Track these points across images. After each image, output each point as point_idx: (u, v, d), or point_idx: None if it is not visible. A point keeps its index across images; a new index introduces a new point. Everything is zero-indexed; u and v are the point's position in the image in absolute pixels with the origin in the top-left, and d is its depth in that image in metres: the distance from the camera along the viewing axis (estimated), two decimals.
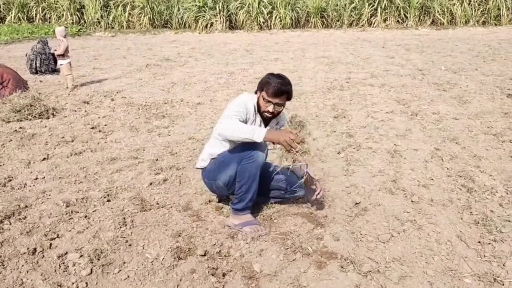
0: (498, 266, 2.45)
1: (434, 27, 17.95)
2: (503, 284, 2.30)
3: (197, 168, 3.27)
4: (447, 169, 3.83)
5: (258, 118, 3.00)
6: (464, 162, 3.97)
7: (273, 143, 2.64)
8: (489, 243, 2.66)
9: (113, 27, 19.06)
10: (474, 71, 8.40)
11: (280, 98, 2.84)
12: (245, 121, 2.88)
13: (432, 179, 3.64)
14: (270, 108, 2.85)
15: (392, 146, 4.41)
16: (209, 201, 3.32)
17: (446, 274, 2.39)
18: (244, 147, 2.79)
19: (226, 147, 2.98)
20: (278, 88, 2.79)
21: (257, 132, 2.61)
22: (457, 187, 3.46)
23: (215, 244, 2.60)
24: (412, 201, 3.24)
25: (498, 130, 4.82)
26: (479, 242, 2.69)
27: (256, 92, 2.99)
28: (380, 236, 2.79)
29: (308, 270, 2.50)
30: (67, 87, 7.25)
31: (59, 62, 7.23)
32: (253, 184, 2.86)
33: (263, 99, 2.86)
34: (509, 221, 2.90)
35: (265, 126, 3.00)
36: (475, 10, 18.33)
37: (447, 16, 18.30)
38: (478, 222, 2.90)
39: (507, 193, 3.32)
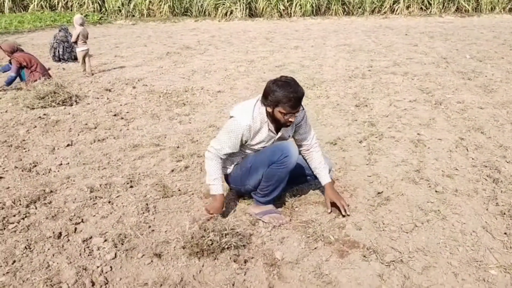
0: None
1: (458, 14, 17.55)
2: None
3: None
4: (472, 159, 3.75)
5: (266, 127, 2.78)
6: (490, 152, 3.88)
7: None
8: None
9: (133, 15, 19.17)
10: (500, 60, 8.20)
11: (300, 106, 2.67)
12: (244, 143, 2.79)
13: (456, 169, 3.57)
14: (292, 118, 2.67)
15: (415, 136, 4.34)
16: (230, 189, 3.32)
17: (471, 265, 2.36)
18: (273, 151, 2.74)
19: (247, 153, 2.91)
20: (295, 99, 2.58)
21: (214, 188, 2.80)
22: (483, 177, 3.39)
23: (237, 231, 2.60)
24: (436, 191, 3.19)
25: None
26: (505, 233, 2.63)
27: (263, 103, 2.71)
28: (403, 226, 2.76)
29: (330, 258, 2.49)
30: (88, 74, 7.34)
31: (76, 49, 7.33)
32: (281, 185, 2.84)
33: (283, 113, 2.63)
34: None
35: (278, 130, 2.83)
36: None
37: (472, 3, 17.87)
38: (504, 213, 2.84)
39: None
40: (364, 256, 2.47)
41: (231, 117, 2.79)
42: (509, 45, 10.01)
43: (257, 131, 2.77)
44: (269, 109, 2.68)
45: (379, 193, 3.21)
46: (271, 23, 16.87)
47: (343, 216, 2.85)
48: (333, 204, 2.90)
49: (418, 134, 4.38)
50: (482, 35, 11.87)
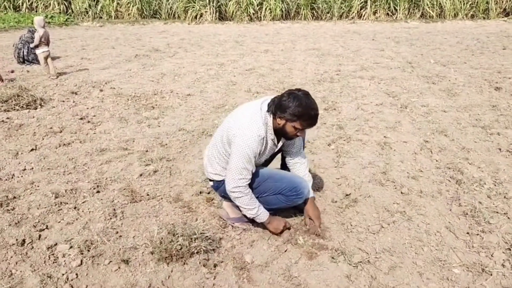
0: (486, 256, 2.48)
1: (423, 20, 18.01)
2: (491, 274, 2.33)
3: (210, 180, 2.91)
4: (436, 161, 3.86)
5: (271, 141, 2.66)
6: (453, 154, 4.01)
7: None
8: (478, 234, 2.69)
9: (101, 17, 18.81)
10: (463, 64, 8.46)
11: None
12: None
13: (421, 171, 3.67)
14: (303, 134, 2.59)
15: (382, 138, 4.44)
16: (200, 193, 3.31)
17: (436, 265, 2.42)
18: (291, 185, 2.68)
19: None
20: (316, 117, 2.48)
21: (262, 215, 2.64)
22: (446, 178, 3.50)
23: (206, 236, 2.59)
24: (401, 193, 3.27)
25: (486, 122, 4.87)
26: (467, 233, 2.72)
27: (268, 110, 2.55)
28: (370, 227, 2.81)
29: (299, 261, 2.51)
30: (53, 76, 7.17)
31: (36, 51, 7.15)
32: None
33: (297, 129, 2.49)
34: (497, 212, 2.94)
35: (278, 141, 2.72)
36: (464, 4, 18.43)
37: (436, 9, 18.39)
38: (467, 214, 2.93)
39: (495, 185, 3.36)
40: (333, 258, 2.50)
41: (235, 135, 2.55)
42: (471, 50, 10.34)
43: (266, 144, 2.63)
44: (280, 122, 2.50)
45: (347, 195, 3.27)
46: (241, 26, 16.89)
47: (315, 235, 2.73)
48: (310, 221, 2.80)
49: (384, 137, 4.48)
50: (445, 41, 12.22)
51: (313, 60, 9.23)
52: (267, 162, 2.94)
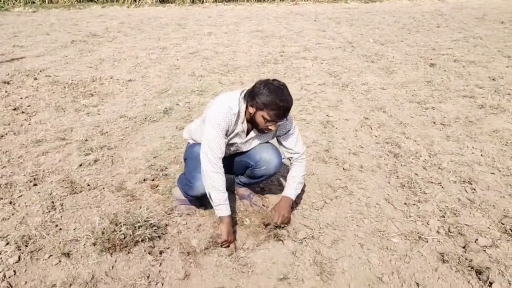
0: (423, 225, 2.62)
1: (363, 1, 18.42)
2: (427, 241, 2.46)
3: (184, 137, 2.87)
4: (376, 136, 4.00)
5: (240, 127, 2.54)
6: (391, 129, 4.16)
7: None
8: (414, 204, 2.83)
9: (33, 2, 17.74)
10: (400, 43, 8.76)
11: (287, 116, 2.44)
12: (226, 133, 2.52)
13: (362, 147, 3.79)
14: (273, 127, 2.44)
15: (324, 117, 4.53)
16: (144, 180, 3.24)
17: (375, 235, 2.53)
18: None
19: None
20: (284, 109, 2.35)
21: (221, 209, 2.45)
22: (385, 153, 3.63)
23: (151, 223, 2.55)
24: (343, 169, 3.37)
25: (422, 98, 5.09)
26: (405, 203, 2.85)
27: (244, 97, 2.46)
28: (314, 203, 2.88)
29: (246, 241, 2.53)
30: None
31: None
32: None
33: (265, 119, 2.38)
34: (431, 182, 3.10)
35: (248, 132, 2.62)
36: None
37: None
38: (404, 185, 3.07)
39: (430, 157, 3.53)
40: (278, 236, 2.54)
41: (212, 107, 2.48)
42: (407, 29, 10.71)
43: (236, 125, 2.53)
44: (251, 110, 2.42)
45: None
46: (184, 9, 16.52)
47: (274, 226, 2.60)
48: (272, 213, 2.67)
49: (327, 115, 4.58)
50: (384, 20, 12.57)
51: (257, 42, 9.21)
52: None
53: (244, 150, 2.70)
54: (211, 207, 2.54)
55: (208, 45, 8.76)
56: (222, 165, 2.46)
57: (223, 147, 2.46)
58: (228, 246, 2.48)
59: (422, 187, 3.02)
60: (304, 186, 3.07)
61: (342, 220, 2.68)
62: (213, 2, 17.86)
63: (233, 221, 2.70)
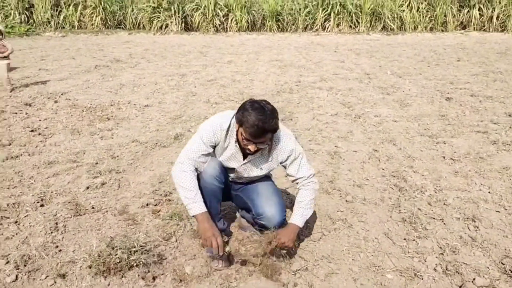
0: (420, 261, 2.57)
1: (384, 33, 18.52)
2: (422, 279, 2.42)
3: None
4: (382, 169, 3.97)
5: (233, 147, 2.56)
6: (399, 162, 4.13)
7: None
8: (414, 240, 2.79)
9: (64, 27, 18.50)
10: (418, 76, 8.74)
11: (262, 138, 2.37)
12: (214, 146, 2.57)
13: (367, 179, 3.77)
14: (252, 147, 2.41)
15: (333, 148, 4.53)
16: (147, 205, 3.29)
17: (370, 270, 2.49)
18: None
19: None
20: (258, 128, 2.29)
21: (192, 208, 2.44)
22: (390, 186, 3.60)
23: (147, 248, 2.58)
24: (346, 201, 3.35)
25: (434, 131, 5.05)
26: (404, 239, 2.81)
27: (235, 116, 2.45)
28: (312, 235, 2.87)
29: (240, 270, 2.53)
30: (6, 89, 6.99)
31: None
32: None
33: (242, 136, 2.39)
34: (434, 218, 3.05)
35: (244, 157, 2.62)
36: (423, 17, 19.09)
37: (397, 22, 18.95)
38: (406, 220, 3.03)
39: (436, 192, 3.48)
40: (272, 267, 2.52)
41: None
42: (427, 62, 10.70)
43: (228, 144, 2.55)
44: (237, 126, 2.44)
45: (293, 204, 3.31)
46: (207, 37, 16.93)
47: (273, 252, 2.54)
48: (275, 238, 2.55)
49: (335, 146, 4.58)
50: (404, 52, 12.60)
51: (275, 71, 9.34)
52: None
53: (246, 175, 2.71)
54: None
55: (226, 73, 8.92)
56: (192, 167, 2.49)
57: (199, 153, 2.51)
58: (210, 244, 2.40)
59: (423, 223, 2.97)
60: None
61: (338, 253, 2.66)
62: (236, 31, 18.24)
63: (229, 249, 2.70)
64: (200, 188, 2.52)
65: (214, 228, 2.47)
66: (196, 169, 2.54)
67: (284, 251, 2.56)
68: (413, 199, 3.37)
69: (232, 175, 2.73)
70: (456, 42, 15.26)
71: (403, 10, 18.96)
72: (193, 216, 2.48)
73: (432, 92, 7.16)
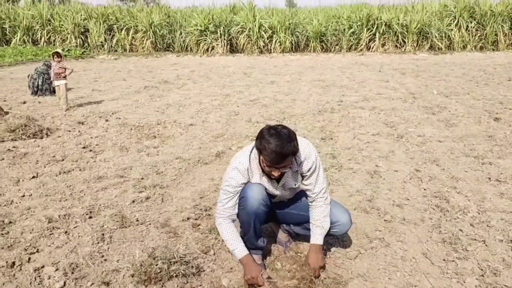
0: (458, 282, 2.51)
1: (432, 52, 18.18)
2: None
3: None
4: (424, 189, 3.91)
5: (264, 177, 2.64)
6: (442, 183, 4.05)
7: None
8: (453, 261, 2.72)
9: (116, 50, 19.46)
10: (465, 95, 8.52)
11: (284, 162, 2.40)
12: (247, 181, 2.65)
13: (408, 199, 3.72)
14: (275, 173, 2.47)
15: (373, 167, 4.50)
16: (188, 219, 3.41)
17: None
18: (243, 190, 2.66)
19: None
20: (276, 155, 2.34)
21: (235, 254, 2.58)
22: (431, 207, 3.54)
23: (186, 260, 2.67)
24: (384, 220, 3.32)
25: (480, 152, 4.91)
26: (443, 259, 2.75)
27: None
28: (348, 253, 2.87)
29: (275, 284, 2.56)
30: (62, 108, 7.44)
31: (57, 82, 7.42)
32: (247, 229, 2.70)
33: (264, 163, 2.46)
34: (475, 239, 2.97)
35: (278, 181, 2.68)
36: (472, 36, 18.61)
37: (445, 41, 18.57)
38: (446, 241, 2.97)
39: (479, 213, 3.39)
40: (307, 283, 2.55)
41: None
42: (476, 81, 10.41)
43: (257, 176, 2.63)
44: (258, 154, 2.51)
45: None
46: (251, 58, 17.27)
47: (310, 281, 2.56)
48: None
49: (376, 165, 4.55)
50: (452, 72, 12.31)
51: (317, 91, 9.40)
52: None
53: (286, 196, 2.78)
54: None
55: (269, 93, 9.07)
56: (226, 216, 2.63)
57: (231, 204, 2.62)
58: (255, 282, 2.49)
59: (464, 244, 2.90)
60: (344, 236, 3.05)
61: (374, 272, 2.64)
62: (280, 52, 18.50)
63: (265, 263, 2.76)
64: (244, 215, 2.64)
65: (258, 267, 2.56)
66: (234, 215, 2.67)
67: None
68: (454, 220, 3.30)
69: (274, 200, 2.80)
70: (507, 61, 14.74)
71: (451, 29, 18.58)
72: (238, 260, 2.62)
73: (480, 112, 6.97)
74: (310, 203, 2.74)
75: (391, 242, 2.97)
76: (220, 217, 2.65)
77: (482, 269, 2.63)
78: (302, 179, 2.70)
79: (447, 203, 3.60)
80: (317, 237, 2.66)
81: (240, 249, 2.58)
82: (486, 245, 2.90)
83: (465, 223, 3.25)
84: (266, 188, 2.66)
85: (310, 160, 2.61)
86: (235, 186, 2.60)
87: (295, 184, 2.70)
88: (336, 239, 3.04)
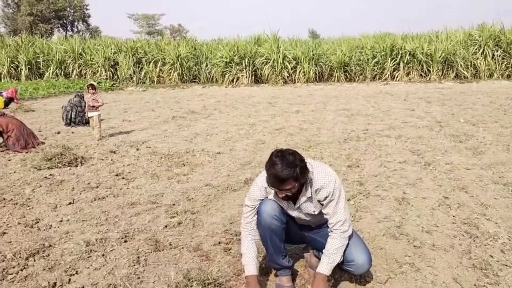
0: None
1: (457, 81, 18.12)
2: None
3: None
4: (453, 216, 3.91)
5: (272, 193, 2.76)
6: (471, 210, 4.04)
7: None
8: (484, 286, 2.72)
9: (144, 82, 20.11)
10: (493, 123, 8.47)
11: (283, 185, 2.50)
12: (265, 197, 2.77)
13: (437, 225, 3.72)
14: (281, 194, 2.59)
15: (400, 194, 4.53)
16: (219, 243, 3.50)
17: None
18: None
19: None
20: (273, 178, 2.47)
21: (245, 269, 2.71)
22: (460, 233, 3.54)
23: (219, 282, 2.76)
24: (414, 246, 3.34)
25: (509, 180, 4.87)
26: (474, 284, 2.75)
27: None
28: (378, 277, 2.89)
29: None
30: (95, 138, 7.73)
31: (90, 114, 7.74)
32: (267, 246, 2.83)
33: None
34: (506, 265, 2.96)
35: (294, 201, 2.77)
36: (499, 64, 18.50)
37: (471, 70, 18.50)
38: (476, 266, 2.97)
39: (510, 240, 3.37)
40: None
41: None
42: (504, 109, 10.32)
43: (270, 193, 2.75)
44: None
45: None
46: (276, 89, 17.56)
47: None
48: None
49: (404, 193, 4.57)
50: (478, 100, 12.24)
51: (342, 119, 9.49)
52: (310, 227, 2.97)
53: (304, 218, 2.82)
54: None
55: (294, 122, 9.21)
56: (247, 232, 2.78)
57: (251, 219, 2.77)
58: None
59: (495, 270, 2.89)
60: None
61: None
62: (304, 82, 18.75)
63: (295, 285, 2.81)
64: (261, 230, 2.77)
65: None
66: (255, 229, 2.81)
67: None
68: (484, 246, 3.29)
69: (298, 221, 2.90)
70: None
71: (477, 58, 18.52)
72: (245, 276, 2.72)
73: (508, 139, 6.92)
74: (329, 233, 2.74)
75: (421, 267, 2.99)
76: (243, 231, 2.80)
77: None
78: (322, 207, 2.71)
79: (476, 229, 3.60)
80: (323, 266, 2.65)
81: (250, 267, 2.68)
82: None
83: (495, 249, 3.24)
84: (283, 207, 2.79)
85: (327, 189, 2.62)
86: (253, 200, 2.76)
87: (314, 211, 2.73)
88: None
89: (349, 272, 2.76)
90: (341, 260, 2.68)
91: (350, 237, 2.72)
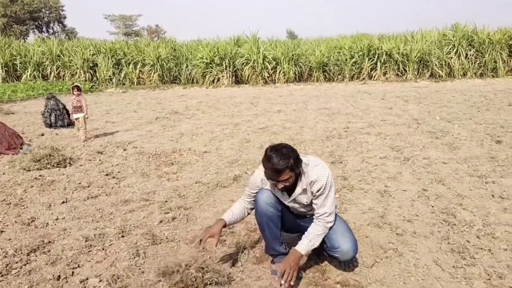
0: (467, 285, 2.76)
1: (433, 80, 18.67)
2: None
3: None
4: (432, 206, 4.17)
5: (268, 185, 2.97)
6: (448, 200, 4.32)
7: None
8: (462, 267, 2.98)
9: (124, 84, 20.04)
10: (467, 120, 8.85)
11: (280, 177, 2.67)
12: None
13: (417, 215, 3.98)
14: (278, 186, 2.75)
15: (382, 187, 4.78)
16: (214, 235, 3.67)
17: None
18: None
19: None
20: (269, 170, 2.67)
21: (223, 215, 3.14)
22: (439, 221, 3.80)
23: (218, 269, 2.93)
24: (397, 234, 3.58)
25: (483, 172, 5.18)
26: (453, 266, 3.00)
27: None
28: (365, 262, 3.12)
29: None
30: (80, 139, 7.79)
31: (76, 115, 7.79)
32: (265, 231, 3.06)
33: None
34: (482, 249, 3.23)
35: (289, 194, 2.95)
36: (472, 63, 19.14)
37: (445, 69, 19.08)
38: (454, 250, 3.22)
39: (484, 226, 3.64)
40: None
41: None
42: (477, 107, 10.75)
43: (266, 184, 2.96)
44: None
45: None
46: (257, 89, 17.76)
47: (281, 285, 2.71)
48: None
49: (385, 186, 4.83)
50: (453, 98, 12.69)
51: (323, 118, 9.75)
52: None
53: (298, 209, 3.03)
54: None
55: (277, 121, 9.43)
56: (242, 199, 3.16)
57: (249, 198, 3.11)
58: (202, 237, 2.98)
59: (471, 253, 3.15)
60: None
61: (390, 278, 2.90)
62: (284, 82, 19.01)
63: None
64: (257, 217, 3.06)
65: (216, 232, 3.01)
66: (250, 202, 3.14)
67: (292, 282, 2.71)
68: (462, 232, 3.55)
69: (290, 210, 3.11)
70: (507, 87, 15.17)
71: (451, 57, 19.11)
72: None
73: (482, 135, 7.27)
74: (314, 219, 2.89)
75: (404, 252, 3.23)
76: (238, 200, 3.21)
77: (488, 274, 2.88)
78: (313, 198, 2.88)
79: (454, 218, 3.87)
80: (302, 246, 2.81)
81: (224, 214, 3.14)
82: (491, 253, 3.15)
83: (471, 235, 3.50)
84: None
85: (320, 182, 2.79)
86: (253, 188, 3.05)
87: (306, 201, 2.91)
88: None
89: (335, 258, 2.96)
90: (319, 246, 2.90)
91: (337, 225, 2.94)
